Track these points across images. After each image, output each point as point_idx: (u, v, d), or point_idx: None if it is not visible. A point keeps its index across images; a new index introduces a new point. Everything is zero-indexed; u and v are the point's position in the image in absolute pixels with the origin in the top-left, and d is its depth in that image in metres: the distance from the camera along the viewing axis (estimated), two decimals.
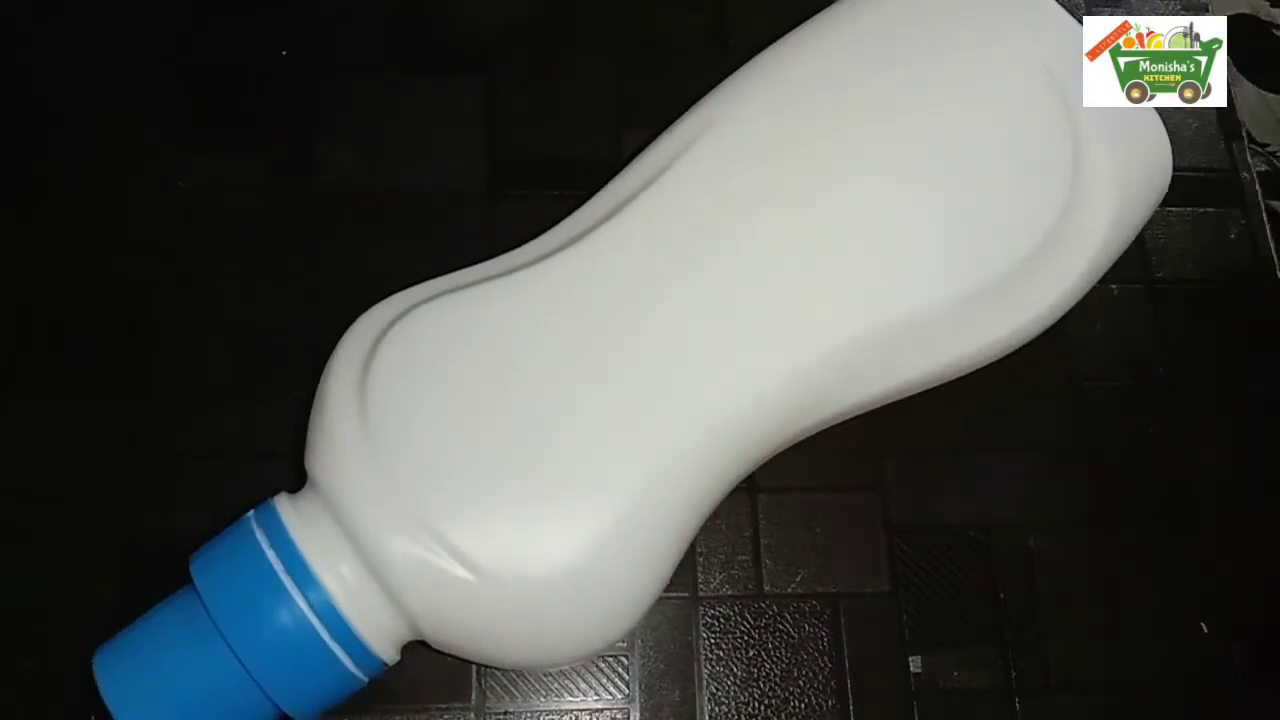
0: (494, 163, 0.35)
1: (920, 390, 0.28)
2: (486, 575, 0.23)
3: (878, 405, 0.28)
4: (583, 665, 0.30)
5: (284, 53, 0.36)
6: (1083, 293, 0.27)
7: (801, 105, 0.27)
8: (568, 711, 0.29)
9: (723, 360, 0.25)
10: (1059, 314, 0.27)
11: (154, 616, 0.25)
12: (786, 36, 0.29)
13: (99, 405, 0.31)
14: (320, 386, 0.25)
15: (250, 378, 0.32)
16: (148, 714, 0.24)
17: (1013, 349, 0.27)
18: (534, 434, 0.24)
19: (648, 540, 0.24)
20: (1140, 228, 0.29)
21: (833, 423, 0.28)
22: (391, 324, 0.25)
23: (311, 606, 0.24)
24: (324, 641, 0.24)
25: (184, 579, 0.24)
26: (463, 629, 0.24)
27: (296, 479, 0.26)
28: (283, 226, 0.34)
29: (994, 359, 0.28)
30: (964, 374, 0.28)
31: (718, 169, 0.27)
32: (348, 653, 0.24)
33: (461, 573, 0.23)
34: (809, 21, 0.29)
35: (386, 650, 0.25)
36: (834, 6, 0.30)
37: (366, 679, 0.25)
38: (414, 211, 0.34)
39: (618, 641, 0.30)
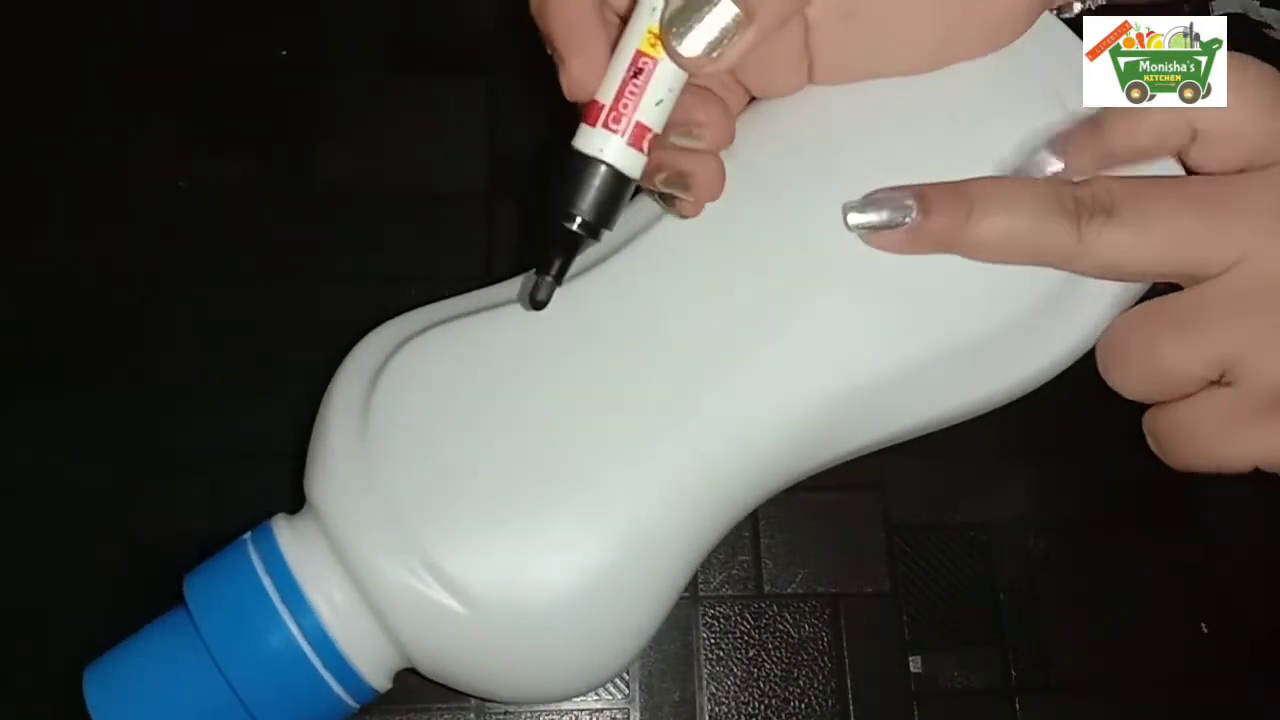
0: (494, 163, 0.35)
1: (933, 430, 0.27)
2: (479, 606, 0.23)
3: (882, 447, 0.27)
4: None
5: (284, 53, 0.35)
6: (1111, 318, 0.25)
7: (823, 129, 0.26)
8: (568, 711, 0.29)
9: (724, 395, 0.24)
10: (1092, 340, 0.25)
11: (146, 635, 0.25)
12: None
13: (99, 405, 0.31)
14: (321, 414, 0.25)
15: (250, 378, 0.32)
16: None
17: (1035, 386, 0.26)
18: (533, 465, 0.24)
19: (645, 573, 0.24)
20: None
21: (837, 462, 0.27)
22: (392, 354, 0.25)
23: (303, 631, 0.23)
24: (314, 666, 0.23)
25: (182, 579, 0.24)
26: (453, 659, 0.24)
27: (295, 480, 0.26)
28: (283, 226, 0.34)
29: (1014, 398, 0.26)
30: (987, 411, 0.26)
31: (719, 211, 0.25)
32: (337, 678, 0.24)
33: (452, 603, 0.23)
34: None
35: (377, 677, 0.24)
36: None
37: (357, 705, 0.25)
38: (414, 211, 0.34)
39: (615, 677, 0.29)
